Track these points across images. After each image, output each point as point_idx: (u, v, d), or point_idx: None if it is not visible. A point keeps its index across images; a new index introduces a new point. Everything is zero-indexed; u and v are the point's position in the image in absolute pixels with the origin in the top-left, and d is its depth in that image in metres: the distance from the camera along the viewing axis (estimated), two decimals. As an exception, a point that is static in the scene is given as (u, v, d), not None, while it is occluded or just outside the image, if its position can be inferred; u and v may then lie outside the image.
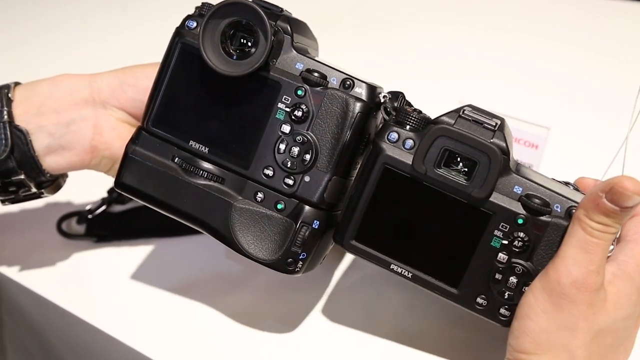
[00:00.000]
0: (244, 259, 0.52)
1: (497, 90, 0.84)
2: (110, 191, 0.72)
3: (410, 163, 0.48)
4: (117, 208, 0.72)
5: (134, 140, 0.54)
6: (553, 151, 0.69)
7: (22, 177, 0.56)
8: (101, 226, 0.70)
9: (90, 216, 0.70)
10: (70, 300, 0.63)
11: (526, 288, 0.47)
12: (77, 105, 0.57)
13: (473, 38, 0.96)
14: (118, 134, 0.58)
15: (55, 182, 0.60)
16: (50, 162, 0.57)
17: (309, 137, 0.51)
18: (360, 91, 0.50)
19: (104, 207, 0.71)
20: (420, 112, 0.50)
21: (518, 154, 0.65)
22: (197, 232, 0.66)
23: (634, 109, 0.48)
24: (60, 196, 0.71)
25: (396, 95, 0.52)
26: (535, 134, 0.64)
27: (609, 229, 0.44)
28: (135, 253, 0.68)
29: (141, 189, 0.54)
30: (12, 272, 0.66)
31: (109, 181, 0.70)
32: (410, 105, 0.51)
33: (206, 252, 0.67)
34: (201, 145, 0.53)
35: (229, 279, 0.65)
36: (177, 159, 0.53)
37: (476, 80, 0.87)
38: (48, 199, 0.68)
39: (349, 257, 0.66)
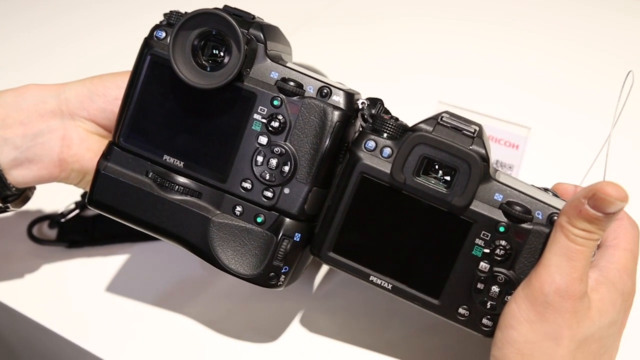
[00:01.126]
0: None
1: (477, 90, 0.83)
2: (84, 195, 0.70)
3: (389, 172, 0.47)
4: (90, 212, 0.70)
5: (105, 156, 0.53)
6: (534, 151, 0.69)
7: None
8: (74, 231, 0.68)
9: (62, 220, 0.68)
10: (40, 311, 0.61)
11: (509, 297, 0.46)
12: (43, 116, 0.55)
13: (452, 35, 0.95)
14: (87, 146, 0.56)
15: (22, 195, 0.58)
16: (16, 176, 0.55)
17: (287, 148, 0.49)
18: (338, 99, 0.49)
19: (76, 211, 0.69)
20: (397, 119, 0.49)
21: (498, 154, 0.64)
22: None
23: (616, 109, 0.47)
24: (32, 200, 0.69)
25: (374, 102, 0.51)
26: (515, 133, 0.64)
27: (592, 236, 0.44)
28: (108, 259, 0.66)
29: (115, 206, 0.53)
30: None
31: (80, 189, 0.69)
32: (388, 112, 0.51)
33: (182, 258, 0.65)
34: (176, 160, 0.51)
35: (205, 285, 0.63)
36: (151, 174, 0.52)
37: (455, 78, 0.86)
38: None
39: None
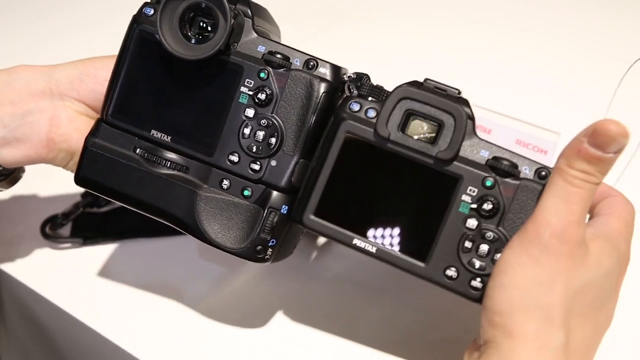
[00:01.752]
0: (221, 256, 0.51)
1: (507, 93, 0.82)
2: (84, 195, 0.70)
3: (373, 129, 0.47)
4: (102, 208, 0.70)
5: (93, 132, 0.53)
6: None
7: None
8: (86, 227, 0.68)
9: (64, 222, 0.68)
10: (64, 298, 0.62)
11: (498, 256, 0.45)
12: (33, 96, 0.55)
13: (482, 39, 0.93)
14: (76, 127, 0.56)
15: (10, 175, 0.58)
16: (4, 155, 0.55)
17: (273, 120, 0.49)
18: (325, 71, 0.49)
19: (79, 211, 0.69)
20: (382, 87, 0.49)
21: None
22: (178, 234, 0.66)
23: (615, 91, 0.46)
24: (40, 199, 0.71)
25: (360, 76, 0.51)
26: (544, 138, 0.62)
27: (591, 178, 0.42)
28: (121, 254, 0.66)
29: (102, 182, 0.52)
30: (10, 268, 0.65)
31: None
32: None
33: (194, 251, 0.66)
34: (163, 134, 0.51)
35: (216, 278, 0.63)
36: (138, 149, 0.52)
37: (485, 81, 0.84)
38: (30, 201, 0.67)
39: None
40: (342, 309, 0.61)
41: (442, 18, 0.98)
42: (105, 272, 0.64)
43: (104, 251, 0.67)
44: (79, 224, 0.68)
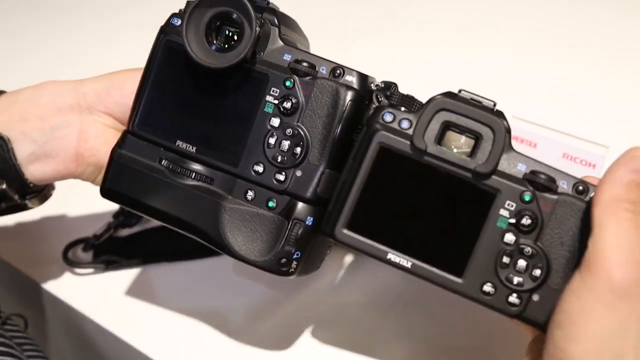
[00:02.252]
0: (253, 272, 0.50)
1: (552, 106, 0.79)
2: (116, 215, 0.71)
3: (409, 141, 0.45)
4: (124, 232, 0.71)
5: (119, 144, 0.53)
6: None
7: (4, 187, 0.54)
8: (109, 252, 0.68)
9: (96, 242, 0.68)
10: (109, 318, 0.63)
11: (537, 272, 0.43)
12: (61, 111, 0.55)
13: (527, 51, 0.90)
14: (104, 140, 0.56)
15: (41, 193, 0.58)
16: (34, 171, 0.55)
17: (299, 129, 0.48)
18: (351, 79, 0.48)
19: (110, 232, 0.69)
20: (413, 97, 0.48)
21: (574, 173, 0.61)
22: (209, 255, 0.67)
23: None
24: (64, 224, 0.71)
25: (389, 85, 0.50)
26: (593, 152, 0.60)
27: (638, 208, 0.40)
28: (156, 276, 0.67)
29: (128, 194, 0.52)
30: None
31: (115, 206, 0.70)
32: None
33: (219, 275, 0.66)
34: (188, 145, 0.51)
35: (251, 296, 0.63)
36: (164, 160, 0.51)
37: (530, 94, 0.82)
38: (51, 226, 0.68)
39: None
40: (374, 329, 0.59)
41: (476, 27, 0.95)
42: (146, 293, 0.64)
43: (141, 273, 0.67)
44: (101, 249, 0.68)
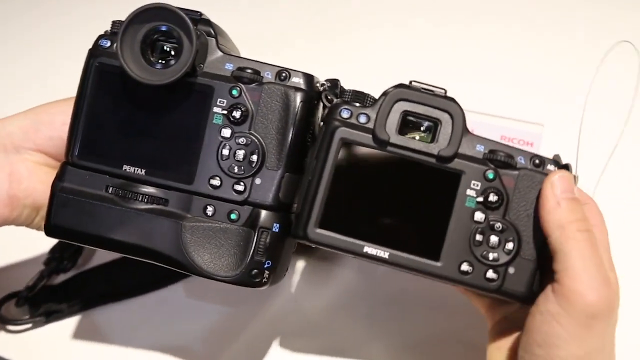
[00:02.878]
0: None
1: (480, 90, 0.79)
2: (47, 262, 0.66)
3: (370, 134, 0.46)
4: (59, 279, 0.66)
5: (59, 177, 0.50)
6: (549, 147, 0.66)
7: None
8: (46, 302, 0.63)
9: (29, 295, 0.63)
10: None
11: (509, 245, 0.45)
12: None
13: (453, 37, 0.88)
14: (38, 179, 0.53)
15: None
16: None
17: (252, 137, 0.48)
18: (298, 80, 0.48)
19: (43, 281, 0.64)
20: (363, 92, 0.48)
21: None
22: (154, 289, 0.64)
23: (631, 105, 0.46)
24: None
25: (334, 83, 0.50)
26: (529, 131, 0.62)
27: (587, 225, 0.43)
28: (94, 324, 0.62)
29: (76, 228, 0.49)
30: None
31: (42, 252, 0.66)
32: None
33: (169, 306, 0.63)
34: (137, 168, 0.48)
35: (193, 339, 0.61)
36: (111, 188, 0.49)
37: (460, 80, 0.79)
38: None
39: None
40: (340, 331, 0.58)
41: (403, 18, 0.92)
42: (96, 338, 0.61)
43: (85, 318, 0.63)
44: (37, 300, 0.64)
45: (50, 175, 0.52)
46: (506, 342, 0.47)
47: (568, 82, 0.78)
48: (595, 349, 0.42)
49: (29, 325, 0.62)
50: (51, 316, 0.63)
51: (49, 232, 0.49)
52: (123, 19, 0.49)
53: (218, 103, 0.48)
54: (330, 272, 0.63)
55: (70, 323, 0.63)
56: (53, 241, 0.66)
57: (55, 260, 0.66)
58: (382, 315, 0.60)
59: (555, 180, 0.44)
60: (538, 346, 0.43)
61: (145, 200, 0.48)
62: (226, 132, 0.48)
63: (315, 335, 0.59)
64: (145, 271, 0.66)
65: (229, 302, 0.62)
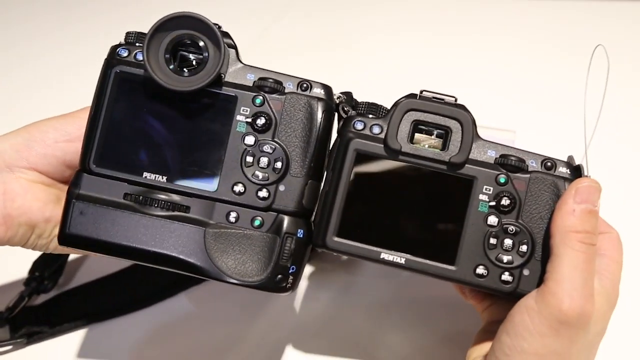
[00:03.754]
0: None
1: (457, 96, 0.81)
2: (27, 282, 0.64)
3: (382, 145, 0.48)
4: (41, 298, 0.64)
5: (75, 184, 0.49)
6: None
7: None
8: (27, 323, 0.61)
9: (10, 316, 0.61)
10: None
11: (523, 247, 0.47)
12: None
13: (428, 46, 0.90)
14: (33, 197, 0.51)
15: None
16: None
17: (276, 144, 0.49)
18: (319, 91, 0.50)
19: (24, 302, 0.62)
20: (377, 103, 0.50)
21: None
22: (139, 309, 0.63)
23: (600, 107, 0.49)
24: None
25: (350, 95, 0.52)
26: (502, 138, 0.62)
27: (592, 238, 0.44)
28: (72, 344, 0.61)
29: (94, 237, 0.48)
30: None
31: (23, 272, 0.63)
32: None
33: (150, 330, 0.62)
34: (157, 175, 0.48)
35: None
36: (130, 195, 0.48)
37: (434, 87, 0.82)
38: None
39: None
40: (343, 334, 0.59)
41: (391, 21, 0.95)
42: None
43: (70, 339, 0.61)
44: (17, 322, 0.61)
45: (45, 192, 0.52)
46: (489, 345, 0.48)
47: (538, 89, 0.81)
48: (558, 353, 0.44)
49: (10, 347, 0.60)
50: (32, 337, 0.61)
51: (64, 241, 0.48)
52: (120, 34, 0.50)
53: (242, 111, 0.49)
54: (333, 275, 0.65)
55: (52, 344, 0.61)
56: (32, 260, 0.64)
57: (35, 280, 0.64)
58: (396, 315, 0.61)
59: (581, 188, 0.45)
60: (507, 334, 0.45)
61: (167, 207, 0.48)
62: (250, 140, 0.48)
63: (322, 337, 0.59)
64: (126, 291, 0.65)
65: (223, 320, 0.62)
